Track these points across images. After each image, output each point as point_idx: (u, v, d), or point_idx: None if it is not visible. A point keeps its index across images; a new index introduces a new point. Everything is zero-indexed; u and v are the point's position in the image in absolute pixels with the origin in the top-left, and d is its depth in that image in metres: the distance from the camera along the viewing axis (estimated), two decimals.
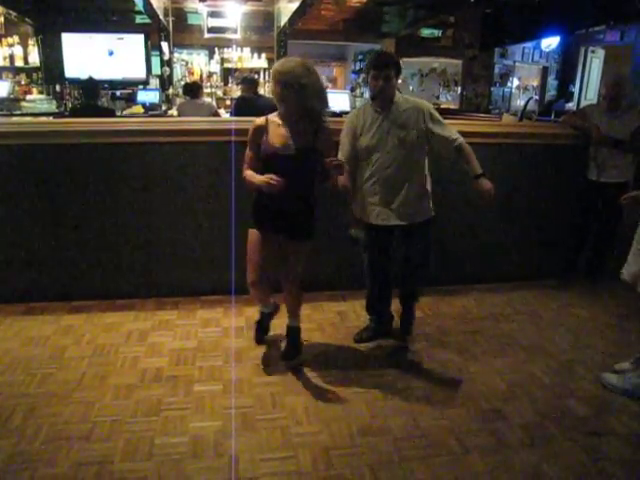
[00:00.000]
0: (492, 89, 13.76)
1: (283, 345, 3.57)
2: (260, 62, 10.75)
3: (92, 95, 5.94)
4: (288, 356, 3.48)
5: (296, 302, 3.47)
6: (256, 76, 9.46)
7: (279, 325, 3.69)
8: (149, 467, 2.54)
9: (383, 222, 3.44)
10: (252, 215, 3.28)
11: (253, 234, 3.27)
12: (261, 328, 3.72)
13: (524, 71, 14.74)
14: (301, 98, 2.98)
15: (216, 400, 3.06)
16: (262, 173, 3.03)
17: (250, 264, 3.31)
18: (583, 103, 12.69)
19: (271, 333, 3.76)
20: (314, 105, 3.03)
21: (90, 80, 6.17)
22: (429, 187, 3.51)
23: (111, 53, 9.25)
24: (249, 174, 3.13)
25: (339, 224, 3.70)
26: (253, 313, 4.06)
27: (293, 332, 3.51)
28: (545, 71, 14.85)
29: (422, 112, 3.34)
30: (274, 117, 3.15)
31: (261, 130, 3.13)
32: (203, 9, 10.26)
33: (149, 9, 8.53)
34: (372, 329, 3.84)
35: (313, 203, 3.26)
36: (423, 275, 3.71)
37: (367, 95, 14.79)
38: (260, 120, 3.17)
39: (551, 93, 14.82)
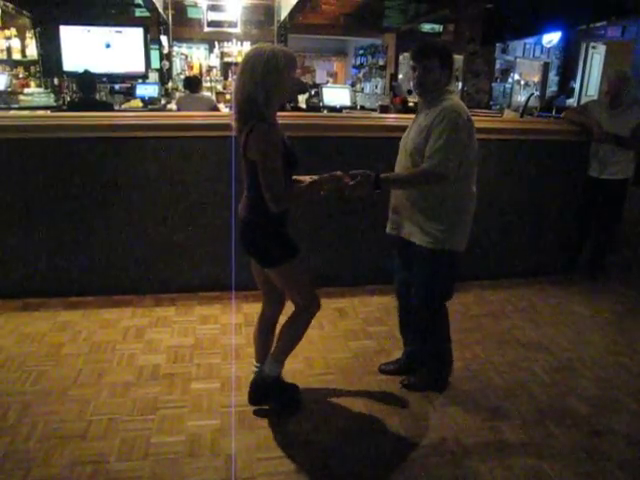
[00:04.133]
0: (493, 85, 13.71)
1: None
2: None
3: (89, 89, 5.89)
4: (250, 399, 2.94)
5: (285, 335, 2.84)
6: None
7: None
8: (145, 466, 2.52)
9: (388, 230, 3.14)
10: None
11: None
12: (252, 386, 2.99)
13: (525, 67, 14.70)
14: (242, 86, 2.41)
15: (214, 398, 3.03)
16: None
17: None
18: (584, 99, 12.65)
19: None
20: (255, 98, 2.38)
21: (86, 73, 6.12)
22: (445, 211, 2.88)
23: (108, 45, 9.18)
24: None
25: (339, 220, 3.67)
26: (251, 310, 4.05)
27: (261, 380, 2.90)
28: (546, 67, 14.80)
29: (437, 120, 2.73)
30: None
31: None
32: (203, 3, 10.22)
33: (148, 2, 8.51)
34: (397, 361, 3.45)
35: (265, 221, 2.61)
36: (425, 323, 3.13)
37: (367, 90, 14.81)
38: None
39: (552, 89, 14.79)
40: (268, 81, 2.35)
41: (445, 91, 2.83)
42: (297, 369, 3.34)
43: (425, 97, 2.87)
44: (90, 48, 9.13)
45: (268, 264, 2.70)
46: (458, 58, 13.29)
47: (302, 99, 9.08)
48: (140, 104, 8.39)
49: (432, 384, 3.23)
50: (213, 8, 10.38)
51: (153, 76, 9.69)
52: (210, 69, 10.94)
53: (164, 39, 10.01)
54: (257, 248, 2.68)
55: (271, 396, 2.94)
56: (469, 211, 2.98)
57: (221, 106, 8.53)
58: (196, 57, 11.10)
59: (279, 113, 2.66)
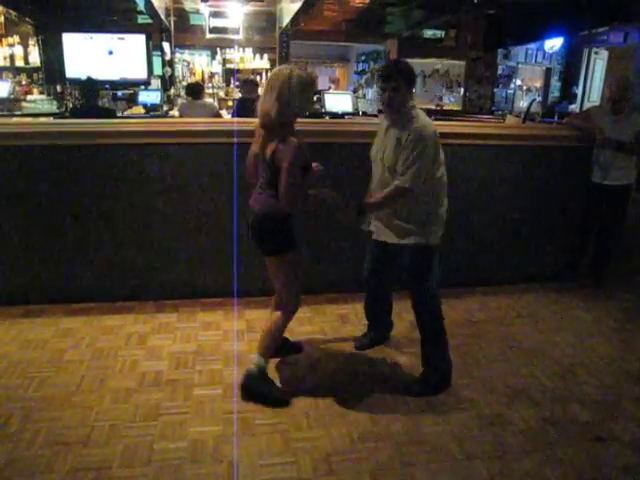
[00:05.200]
0: (495, 90, 13.74)
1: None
2: (262, 63, 10.76)
3: (91, 95, 5.91)
4: (242, 391, 3.13)
5: (267, 334, 3.13)
6: (258, 77, 9.47)
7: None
8: (148, 472, 2.52)
9: (373, 236, 3.42)
10: None
11: None
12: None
13: (527, 72, 14.74)
14: (264, 102, 2.87)
15: (216, 404, 3.03)
16: None
17: None
18: (586, 104, 12.68)
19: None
20: (270, 112, 2.81)
21: (89, 80, 6.14)
22: (421, 213, 3.17)
23: (110, 52, 9.21)
24: None
25: (340, 227, 3.66)
26: (253, 316, 4.07)
27: (246, 376, 3.12)
28: (548, 72, 14.84)
29: (407, 140, 3.01)
30: None
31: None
32: (205, 9, 10.25)
33: (150, 9, 8.52)
34: (369, 336, 3.80)
35: (278, 216, 2.99)
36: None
37: (369, 96, 14.85)
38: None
39: (554, 94, 14.81)
40: (296, 99, 2.82)
41: (411, 107, 3.11)
42: (300, 376, 3.36)
43: (393, 115, 3.13)
44: (92, 55, 9.16)
45: (271, 252, 3.08)
46: (460, 64, 13.36)
47: None
48: (142, 111, 8.41)
49: (429, 390, 3.26)
50: (215, 15, 10.43)
51: (155, 83, 9.69)
52: (212, 75, 10.96)
53: (166, 46, 10.04)
54: (267, 237, 3.06)
55: (258, 389, 3.10)
56: (438, 214, 3.23)
57: (223, 112, 8.54)
58: (198, 64, 11.11)
59: None
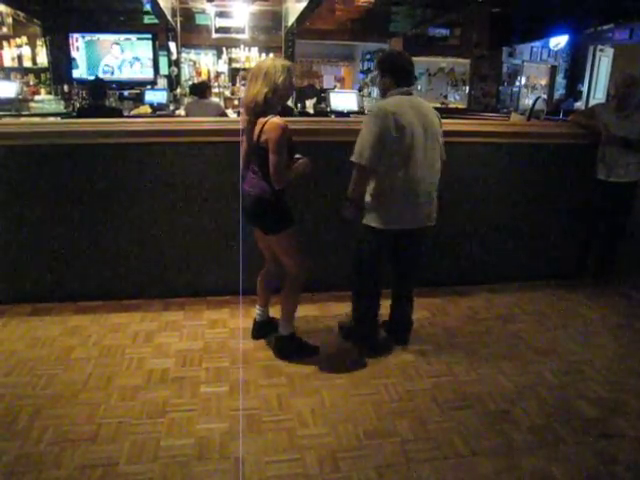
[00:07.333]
0: (500, 88, 13.72)
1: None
2: None
3: (99, 95, 5.94)
4: (278, 354, 3.59)
5: (285, 302, 3.51)
6: None
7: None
8: (155, 469, 2.54)
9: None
10: None
11: None
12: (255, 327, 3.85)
13: (532, 70, 14.68)
14: (248, 90, 3.14)
15: (222, 402, 3.05)
16: None
17: None
18: (592, 102, 12.62)
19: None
20: (257, 97, 3.06)
21: (97, 80, 6.17)
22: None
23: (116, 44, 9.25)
24: None
25: (347, 224, 3.68)
26: None
27: (277, 341, 3.61)
28: (554, 70, 14.79)
29: None
30: None
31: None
32: (211, 9, 10.27)
33: (157, 9, 8.54)
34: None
35: (272, 196, 3.18)
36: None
37: (375, 95, 14.81)
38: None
39: (560, 92, 14.77)
40: (280, 84, 3.08)
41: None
42: (305, 374, 3.36)
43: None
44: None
45: (271, 231, 3.29)
46: (465, 62, 13.35)
47: (310, 104, 9.10)
48: (149, 110, 8.44)
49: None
50: (221, 15, 10.44)
51: (162, 82, 9.74)
52: (218, 75, 10.98)
53: (172, 45, 10.07)
54: (264, 218, 3.29)
55: (291, 350, 3.55)
56: (388, 196, 3.33)
57: (229, 112, 8.55)
58: (204, 63, 11.13)
59: (290, 119, 3.38)
